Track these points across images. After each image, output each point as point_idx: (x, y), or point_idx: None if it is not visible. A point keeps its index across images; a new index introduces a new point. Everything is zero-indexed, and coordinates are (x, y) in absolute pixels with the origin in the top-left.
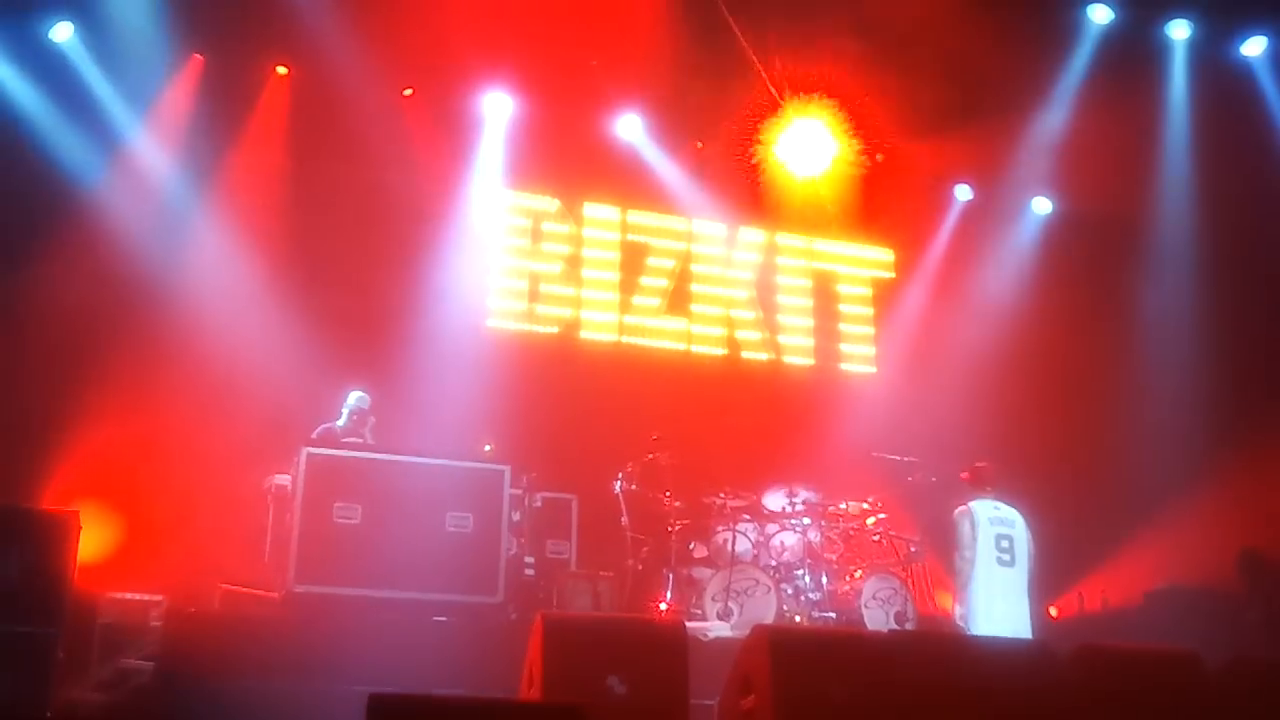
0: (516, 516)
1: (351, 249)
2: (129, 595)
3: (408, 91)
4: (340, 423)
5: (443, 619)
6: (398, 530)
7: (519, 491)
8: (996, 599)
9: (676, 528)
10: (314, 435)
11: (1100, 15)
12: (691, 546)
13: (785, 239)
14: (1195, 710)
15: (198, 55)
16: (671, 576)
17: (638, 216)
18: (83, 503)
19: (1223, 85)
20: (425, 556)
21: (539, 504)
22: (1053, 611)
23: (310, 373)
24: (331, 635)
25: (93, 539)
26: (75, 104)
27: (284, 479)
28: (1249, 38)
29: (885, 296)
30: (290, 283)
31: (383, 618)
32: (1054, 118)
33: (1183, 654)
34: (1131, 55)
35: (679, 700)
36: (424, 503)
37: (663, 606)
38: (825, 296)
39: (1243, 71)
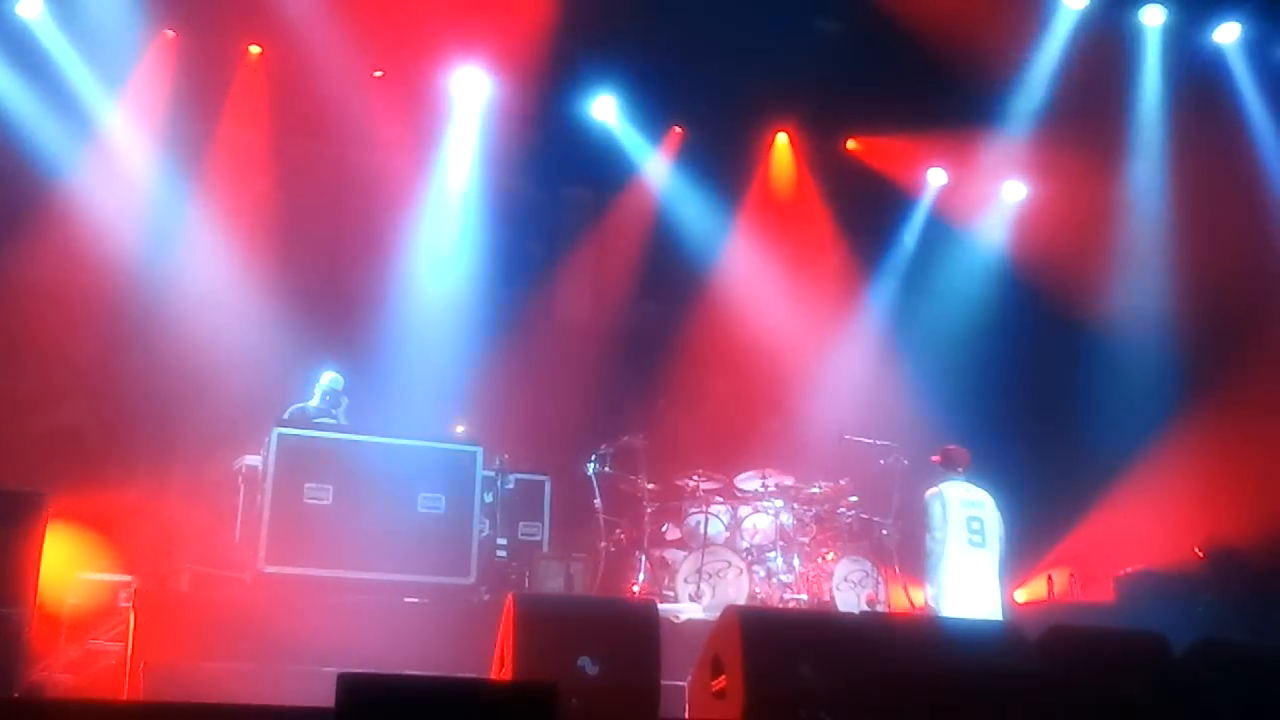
0: (489, 498)
1: (325, 229)
2: (98, 576)
3: (378, 74)
4: (312, 403)
5: (414, 600)
6: (369, 511)
7: (492, 473)
8: (967, 580)
9: (649, 510)
10: (285, 415)
11: (1074, 1)
12: (664, 529)
13: (762, 218)
14: (1161, 691)
15: (169, 31)
16: (644, 558)
17: (613, 198)
18: (51, 483)
19: (1195, 71)
20: (397, 538)
21: (512, 485)
22: (1018, 596)
23: (283, 353)
24: (302, 616)
25: (61, 519)
26: (44, 81)
27: (255, 459)
28: (1222, 23)
29: (859, 279)
30: (264, 262)
31: (354, 599)
32: (1027, 102)
33: (1149, 636)
34: (1105, 40)
35: (651, 681)
36: (396, 484)
37: (635, 588)
38: (801, 278)
39: (1215, 58)
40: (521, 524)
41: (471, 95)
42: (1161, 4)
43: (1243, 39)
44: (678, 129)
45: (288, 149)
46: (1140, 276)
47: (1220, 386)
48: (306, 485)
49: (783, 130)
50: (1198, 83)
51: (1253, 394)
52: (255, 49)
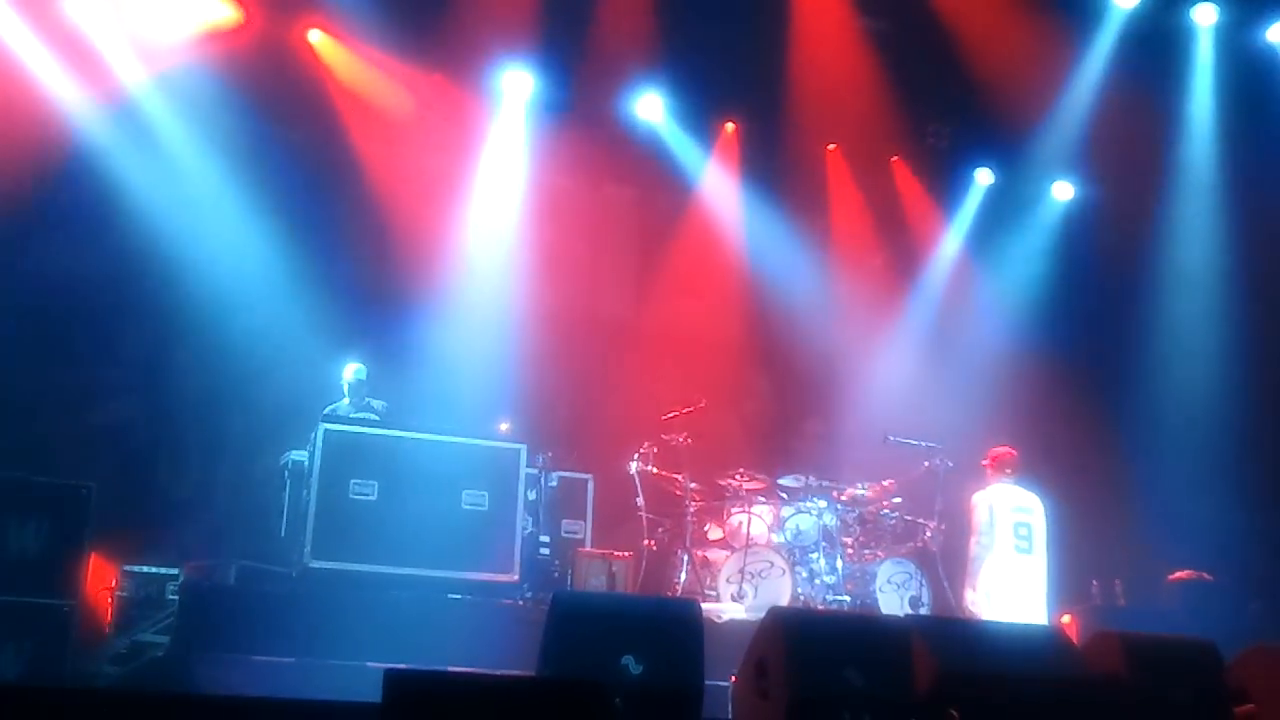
0: (532, 496)
1: (369, 224)
2: (145, 569)
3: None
4: (344, 402)
5: (457, 597)
6: (414, 507)
7: (535, 470)
8: (1013, 586)
9: (692, 509)
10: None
11: (1124, 1)
12: (707, 528)
13: (806, 220)
14: (1210, 699)
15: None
16: (686, 557)
17: (658, 196)
18: (101, 477)
19: (1248, 71)
20: (441, 534)
21: (555, 483)
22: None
23: (329, 349)
24: (347, 611)
25: (111, 512)
26: (84, 63)
27: (301, 455)
28: (1276, 22)
29: (908, 279)
30: (309, 258)
31: (398, 594)
32: (1077, 101)
33: (1199, 643)
34: (1156, 40)
35: (694, 681)
36: (440, 480)
37: (677, 587)
38: (848, 279)
39: (1268, 57)
40: (564, 522)
41: (517, 92)
42: (1214, 2)
43: None
44: (729, 125)
45: (330, 140)
46: (1198, 279)
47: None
48: (352, 481)
49: (832, 139)
50: (1250, 82)
51: None
52: (314, 34)
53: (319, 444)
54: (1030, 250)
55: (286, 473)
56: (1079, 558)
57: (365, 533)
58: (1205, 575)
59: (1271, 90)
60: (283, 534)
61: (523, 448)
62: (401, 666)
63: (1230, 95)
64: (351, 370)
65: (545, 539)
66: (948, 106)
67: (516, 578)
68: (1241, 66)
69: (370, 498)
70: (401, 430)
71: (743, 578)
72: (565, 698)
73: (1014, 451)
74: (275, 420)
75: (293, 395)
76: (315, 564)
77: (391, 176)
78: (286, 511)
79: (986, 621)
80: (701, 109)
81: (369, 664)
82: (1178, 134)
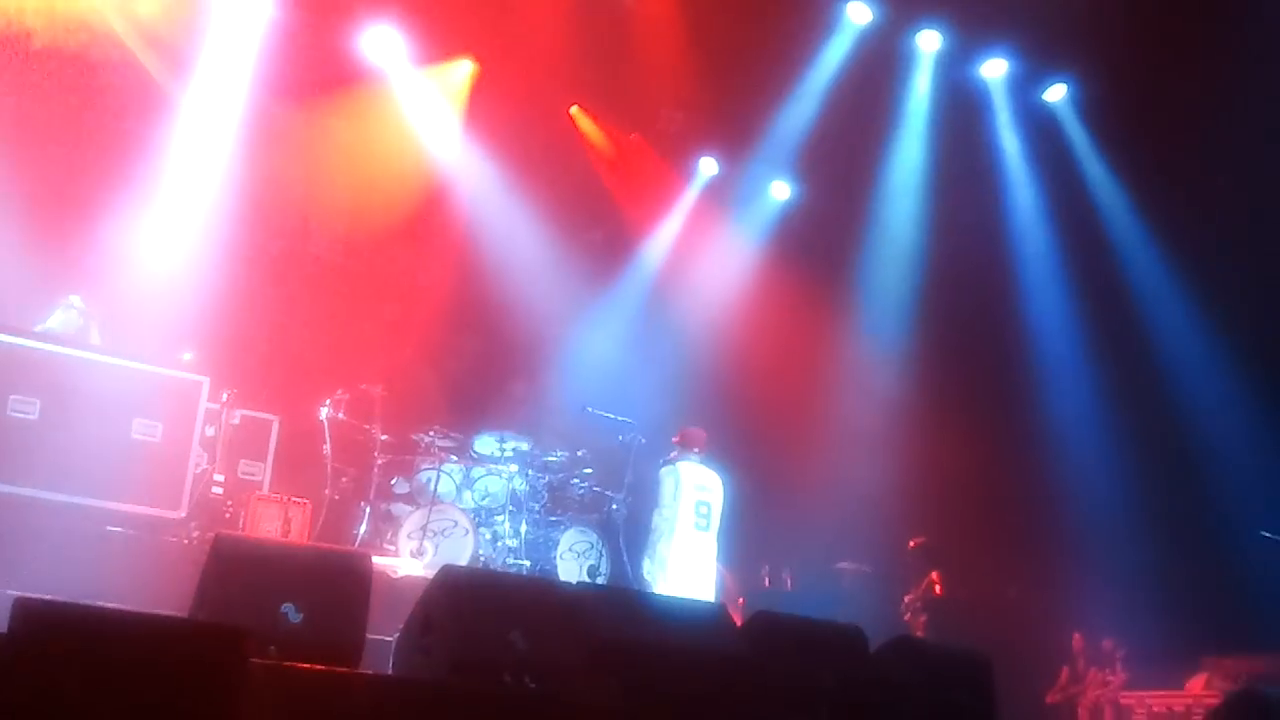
0: (210, 431)
1: (70, 136)
2: None
3: None
4: (46, 323)
5: (118, 530)
6: (79, 431)
7: (217, 406)
8: (687, 560)
9: (380, 461)
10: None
11: (859, 15)
12: (394, 482)
13: (537, 180)
14: (855, 680)
15: None
16: (369, 510)
17: (385, 137)
18: None
19: (958, 99)
20: (105, 462)
21: (237, 421)
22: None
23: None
24: None
25: None
26: None
27: None
28: (990, 59)
29: (627, 255)
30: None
31: (53, 522)
32: (803, 107)
33: (847, 629)
34: (883, 58)
35: (355, 633)
36: (110, 405)
37: (356, 540)
38: (570, 246)
39: (979, 90)
40: (243, 462)
41: (240, 13)
42: (938, 31)
43: (1008, 75)
44: (468, 64)
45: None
46: (891, 289)
47: (951, 405)
48: (12, 397)
49: (575, 101)
50: (961, 111)
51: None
52: None
53: None
54: (743, 242)
55: None
56: (760, 542)
57: (21, 453)
58: (865, 568)
59: (974, 119)
60: None
61: (205, 380)
62: (43, 597)
63: (939, 119)
64: (71, 299)
65: (220, 478)
66: (683, 93)
67: (183, 515)
68: (954, 94)
69: (30, 416)
70: (73, 348)
71: (425, 534)
72: (207, 641)
73: (704, 432)
74: None
75: None
76: None
77: (93, 83)
78: None
79: (655, 594)
80: (437, 46)
81: (10, 592)
82: (889, 150)
